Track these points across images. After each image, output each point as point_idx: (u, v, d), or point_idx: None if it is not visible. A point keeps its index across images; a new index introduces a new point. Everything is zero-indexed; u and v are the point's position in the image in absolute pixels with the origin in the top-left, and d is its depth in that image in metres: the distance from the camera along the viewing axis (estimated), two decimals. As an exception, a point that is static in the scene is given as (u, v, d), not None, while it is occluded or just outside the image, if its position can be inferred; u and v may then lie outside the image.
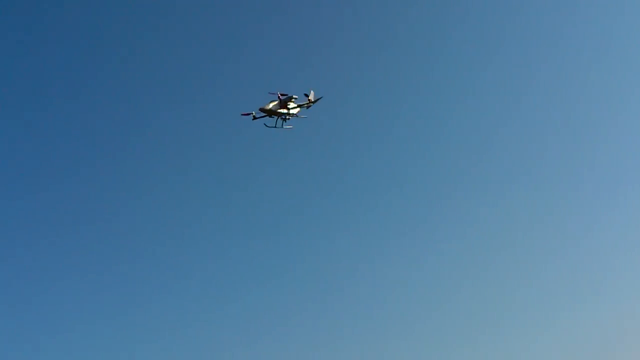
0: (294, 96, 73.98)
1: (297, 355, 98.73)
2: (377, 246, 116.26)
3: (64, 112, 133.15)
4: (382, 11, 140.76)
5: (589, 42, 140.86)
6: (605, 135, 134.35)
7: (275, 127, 74.95)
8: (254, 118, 72.55)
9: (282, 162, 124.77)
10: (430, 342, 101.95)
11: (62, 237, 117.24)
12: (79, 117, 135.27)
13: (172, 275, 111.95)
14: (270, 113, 72.79)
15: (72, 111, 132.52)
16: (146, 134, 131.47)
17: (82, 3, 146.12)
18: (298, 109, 75.64)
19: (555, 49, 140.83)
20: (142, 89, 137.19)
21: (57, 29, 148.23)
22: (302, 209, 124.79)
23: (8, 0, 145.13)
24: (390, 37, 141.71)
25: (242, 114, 73.19)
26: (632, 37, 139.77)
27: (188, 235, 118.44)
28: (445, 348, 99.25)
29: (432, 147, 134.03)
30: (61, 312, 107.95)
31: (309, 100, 74.86)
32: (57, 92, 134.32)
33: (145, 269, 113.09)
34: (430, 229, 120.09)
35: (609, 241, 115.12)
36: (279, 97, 73.42)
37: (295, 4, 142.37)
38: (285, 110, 74.57)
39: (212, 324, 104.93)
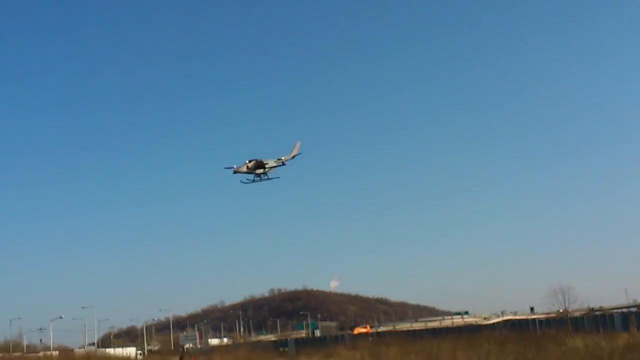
0: (264, 160, 77.28)
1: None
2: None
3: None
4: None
5: None
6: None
7: (254, 181, 78.22)
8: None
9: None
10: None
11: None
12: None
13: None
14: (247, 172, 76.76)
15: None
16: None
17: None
18: (274, 165, 78.39)
19: None
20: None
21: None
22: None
23: None
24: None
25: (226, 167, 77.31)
26: None
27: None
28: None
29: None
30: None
31: (292, 155, 78.54)
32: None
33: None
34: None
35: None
36: (247, 166, 76.76)
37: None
38: (261, 170, 77.83)
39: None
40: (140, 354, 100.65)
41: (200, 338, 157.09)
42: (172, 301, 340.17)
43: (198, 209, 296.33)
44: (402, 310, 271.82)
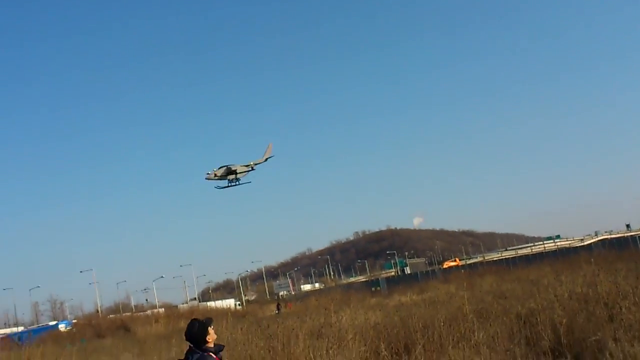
0: (233, 167, 79.49)
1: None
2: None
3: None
4: None
5: None
6: None
7: (228, 186, 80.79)
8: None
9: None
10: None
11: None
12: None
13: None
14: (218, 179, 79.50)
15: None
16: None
17: None
18: (245, 170, 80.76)
19: None
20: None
21: None
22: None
23: None
24: None
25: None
26: None
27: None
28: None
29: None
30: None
31: (265, 159, 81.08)
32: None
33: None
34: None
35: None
36: (215, 173, 79.36)
37: None
38: (233, 176, 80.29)
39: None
40: (239, 305, 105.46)
41: (293, 285, 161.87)
42: (262, 253, 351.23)
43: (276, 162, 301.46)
44: (490, 241, 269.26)
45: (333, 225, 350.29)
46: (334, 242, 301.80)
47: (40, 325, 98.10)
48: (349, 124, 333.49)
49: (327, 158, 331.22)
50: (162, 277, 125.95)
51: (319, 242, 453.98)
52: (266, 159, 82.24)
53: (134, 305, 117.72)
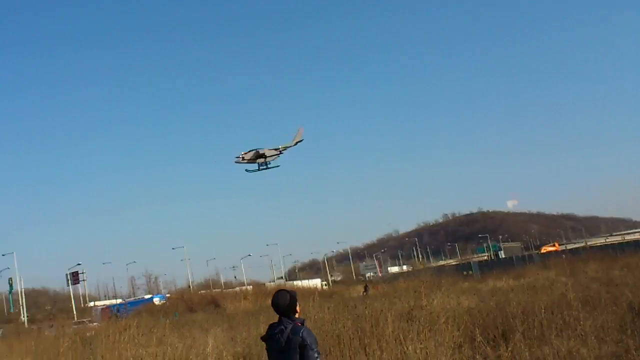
0: (261, 150, 79.29)
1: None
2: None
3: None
4: None
5: None
6: None
7: (259, 170, 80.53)
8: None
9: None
10: None
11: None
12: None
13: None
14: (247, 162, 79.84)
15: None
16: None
17: None
18: (275, 154, 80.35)
19: None
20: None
21: None
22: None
23: None
24: None
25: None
26: None
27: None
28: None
29: None
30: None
31: (295, 142, 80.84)
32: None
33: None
34: None
35: None
36: (242, 157, 79.18)
37: None
38: (262, 159, 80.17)
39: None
40: (325, 284, 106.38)
41: (380, 266, 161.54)
42: (348, 233, 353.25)
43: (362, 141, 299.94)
44: (593, 225, 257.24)
45: (420, 207, 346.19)
46: (421, 224, 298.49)
47: (137, 298, 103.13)
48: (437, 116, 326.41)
49: (414, 138, 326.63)
50: (249, 255, 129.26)
51: (406, 224, 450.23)
52: (296, 143, 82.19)
53: (223, 282, 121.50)
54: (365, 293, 55.20)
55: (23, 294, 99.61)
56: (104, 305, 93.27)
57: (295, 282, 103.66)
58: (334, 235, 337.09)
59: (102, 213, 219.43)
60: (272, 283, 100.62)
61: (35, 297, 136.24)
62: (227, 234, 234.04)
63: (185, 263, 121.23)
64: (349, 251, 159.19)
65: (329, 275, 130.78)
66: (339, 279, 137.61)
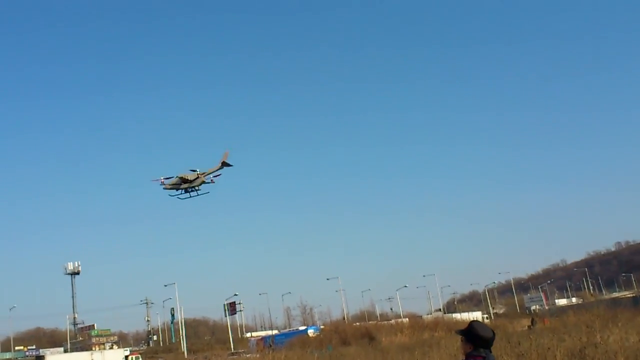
0: (185, 176, 79.55)
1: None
2: None
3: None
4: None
5: None
6: None
7: (187, 195, 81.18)
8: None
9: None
10: None
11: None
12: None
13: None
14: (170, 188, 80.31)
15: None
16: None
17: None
18: (204, 178, 79.92)
19: None
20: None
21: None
22: None
23: None
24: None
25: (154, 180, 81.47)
26: None
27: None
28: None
29: None
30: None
31: (220, 163, 79.03)
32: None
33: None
34: None
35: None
36: (162, 182, 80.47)
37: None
38: (186, 185, 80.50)
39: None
40: (487, 318, 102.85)
41: (547, 298, 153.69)
42: (510, 264, 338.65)
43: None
44: None
45: (590, 235, 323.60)
46: (591, 253, 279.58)
47: (292, 329, 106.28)
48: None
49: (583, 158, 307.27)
50: (405, 286, 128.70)
51: (574, 252, 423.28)
52: (222, 166, 79.98)
53: (379, 314, 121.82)
54: (531, 327, 52.66)
55: (183, 324, 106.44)
56: (258, 336, 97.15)
57: (454, 315, 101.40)
58: (495, 265, 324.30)
59: (258, 245, 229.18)
60: (429, 316, 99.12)
61: (195, 327, 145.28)
62: (383, 265, 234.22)
63: (340, 294, 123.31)
64: (512, 282, 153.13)
65: (490, 308, 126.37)
66: (501, 311, 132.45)
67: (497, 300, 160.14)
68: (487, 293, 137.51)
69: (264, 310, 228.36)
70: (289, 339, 67.01)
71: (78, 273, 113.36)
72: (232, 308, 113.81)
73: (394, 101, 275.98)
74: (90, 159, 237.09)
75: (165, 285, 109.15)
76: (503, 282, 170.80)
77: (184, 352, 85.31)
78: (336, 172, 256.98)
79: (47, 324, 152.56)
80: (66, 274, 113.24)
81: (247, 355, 50.07)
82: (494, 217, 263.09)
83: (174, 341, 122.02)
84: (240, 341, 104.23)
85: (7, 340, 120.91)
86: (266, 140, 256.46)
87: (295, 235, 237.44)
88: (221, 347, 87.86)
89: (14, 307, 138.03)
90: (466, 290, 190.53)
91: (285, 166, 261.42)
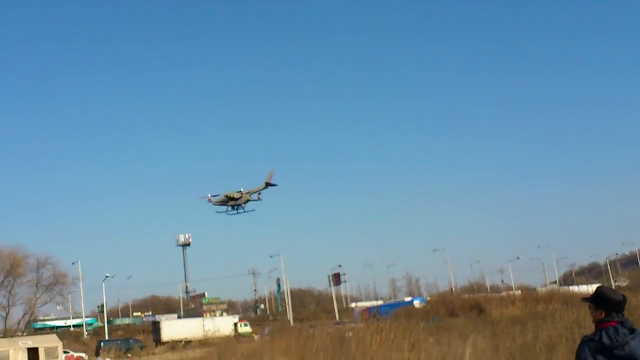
0: (231, 194, 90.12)
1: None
2: None
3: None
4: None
5: None
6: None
7: (227, 212, 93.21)
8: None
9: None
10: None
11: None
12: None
13: None
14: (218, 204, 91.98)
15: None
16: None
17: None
18: (249, 196, 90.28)
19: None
20: None
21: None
22: None
23: None
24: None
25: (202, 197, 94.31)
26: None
27: None
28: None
29: None
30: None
31: (265, 183, 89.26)
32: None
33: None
34: None
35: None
36: (209, 199, 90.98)
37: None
38: (233, 202, 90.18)
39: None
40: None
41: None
42: (635, 233, 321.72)
43: None
44: None
45: None
46: None
47: (397, 300, 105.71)
48: None
49: None
50: (518, 258, 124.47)
51: None
52: (266, 185, 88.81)
53: (489, 286, 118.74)
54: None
55: (289, 294, 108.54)
56: (363, 306, 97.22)
57: (571, 288, 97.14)
58: (618, 236, 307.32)
59: (362, 216, 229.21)
60: (543, 288, 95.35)
61: (301, 297, 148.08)
62: (493, 235, 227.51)
63: (448, 265, 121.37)
64: (637, 253, 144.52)
65: (612, 280, 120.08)
66: (624, 284, 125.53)
67: (619, 272, 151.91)
68: (608, 265, 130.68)
69: (369, 281, 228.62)
70: (394, 310, 66.41)
71: (189, 244, 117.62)
72: (336, 279, 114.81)
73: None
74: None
75: (271, 256, 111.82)
76: (627, 253, 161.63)
77: (290, 321, 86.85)
78: (446, 134, 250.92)
79: (162, 292, 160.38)
80: (178, 246, 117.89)
81: (352, 325, 49.76)
82: (617, 182, 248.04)
83: (280, 310, 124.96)
84: (345, 311, 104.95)
85: (126, 307, 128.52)
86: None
87: (399, 205, 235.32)
88: (326, 316, 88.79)
89: (131, 276, 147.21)
90: (585, 262, 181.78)
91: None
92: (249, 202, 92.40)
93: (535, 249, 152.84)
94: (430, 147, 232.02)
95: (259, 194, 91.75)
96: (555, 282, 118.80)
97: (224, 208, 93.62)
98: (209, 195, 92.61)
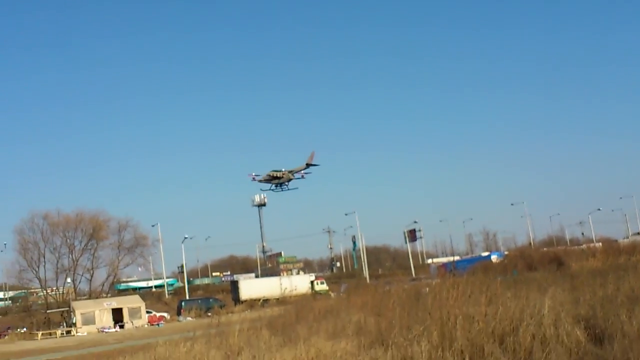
0: (275, 173, 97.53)
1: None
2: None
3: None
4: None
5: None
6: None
7: (278, 190, 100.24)
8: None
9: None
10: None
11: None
12: None
13: None
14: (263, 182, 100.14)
15: None
16: None
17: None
18: (291, 175, 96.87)
19: None
20: None
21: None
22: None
23: None
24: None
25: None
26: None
27: None
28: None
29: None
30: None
31: (305, 164, 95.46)
32: None
33: None
34: None
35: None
36: (254, 177, 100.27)
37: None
38: (276, 181, 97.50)
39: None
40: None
41: None
42: None
43: None
44: None
45: None
46: None
47: (474, 255, 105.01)
48: None
49: None
50: (599, 209, 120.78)
51: None
52: (307, 166, 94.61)
53: (569, 239, 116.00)
54: None
55: (364, 251, 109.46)
56: (439, 262, 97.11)
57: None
58: None
59: (437, 170, 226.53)
60: (625, 240, 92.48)
61: (376, 254, 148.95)
62: (573, 187, 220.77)
63: (526, 219, 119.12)
64: None
65: None
66: None
67: None
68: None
69: (445, 237, 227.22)
70: (471, 265, 66.07)
71: (264, 205, 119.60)
72: (411, 235, 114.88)
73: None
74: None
75: (346, 214, 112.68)
76: None
77: (366, 278, 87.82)
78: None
79: (240, 252, 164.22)
80: (254, 206, 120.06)
81: (428, 281, 50.01)
82: None
83: (356, 267, 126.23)
84: (421, 267, 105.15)
85: (205, 267, 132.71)
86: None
87: (475, 159, 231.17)
88: (402, 273, 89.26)
89: (210, 237, 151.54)
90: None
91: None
92: (292, 181, 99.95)
93: (617, 200, 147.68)
94: (506, 103, 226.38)
95: (303, 173, 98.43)
96: (638, 233, 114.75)
97: (268, 185, 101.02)
98: (253, 174, 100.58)
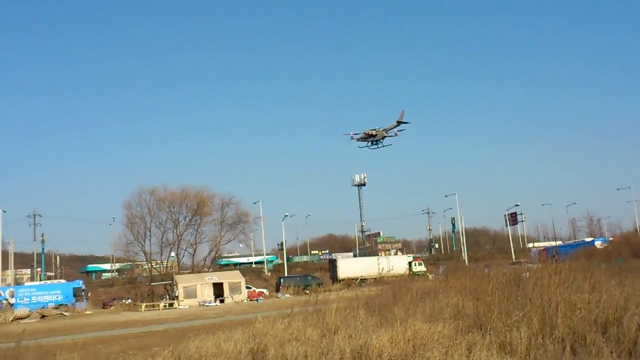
0: (369, 131, 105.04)
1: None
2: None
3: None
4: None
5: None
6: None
7: (373, 147, 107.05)
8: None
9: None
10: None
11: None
12: None
13: None
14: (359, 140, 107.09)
15: None
16: None
17: None
18: (384, 133, 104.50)
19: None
20: None
21: None
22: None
23: None
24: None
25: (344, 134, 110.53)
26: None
27: None
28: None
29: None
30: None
31: (396, 122, 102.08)
32: None
33: None
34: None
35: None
36: (352, 136, 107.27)
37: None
38: (372, 138, 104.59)
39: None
40: None
41: None
42: None
43: None
44: None
45: None
46: None
47: (577, 240, 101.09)
48: None
49: None
50: None
51: None
52: (398, 124, 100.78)
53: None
54: None
55: (464, 233, 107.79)
56: (541, 247, 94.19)
57: None
58: None
59: (545, 153, 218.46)
60: None
61: (476, 236, 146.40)
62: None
63: (632, 204, 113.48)
64: None
65: None
66: None
67: None
68: None
69: (547, 220, 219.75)
70: (574, 250, 63.79)
71: (364, 184, 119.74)
72: (512, 218, 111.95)
73: None
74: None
75: (446, 196, 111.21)
76: None
77: (464, 260, 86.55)
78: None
79: (338, 231, 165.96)
80: (354, 185, 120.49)
81: (529, 265, 48.80)
82: None
83: (454, 249, 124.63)
84: (522, 251, 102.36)
85: (304, 245, 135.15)
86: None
87: (580, 143, 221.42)
88: (502, 256, 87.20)
89: (309, 215, 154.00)
90: None
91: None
92: (386, 138, 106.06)
93: None
94: (614, 81, 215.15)
95: (396, 131, 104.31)
96: None
97: (365, 143, 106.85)
98: (352, 133, 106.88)
